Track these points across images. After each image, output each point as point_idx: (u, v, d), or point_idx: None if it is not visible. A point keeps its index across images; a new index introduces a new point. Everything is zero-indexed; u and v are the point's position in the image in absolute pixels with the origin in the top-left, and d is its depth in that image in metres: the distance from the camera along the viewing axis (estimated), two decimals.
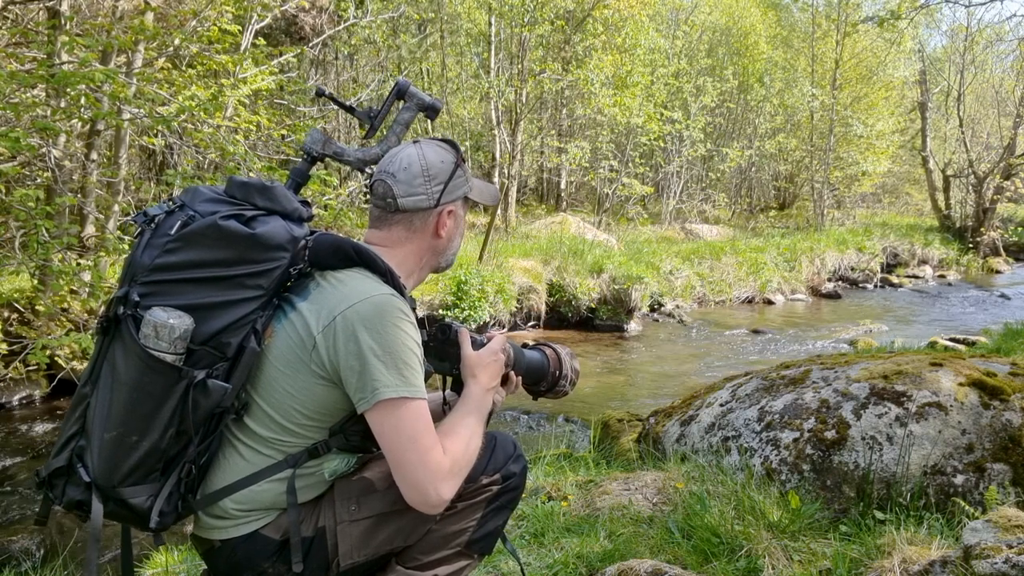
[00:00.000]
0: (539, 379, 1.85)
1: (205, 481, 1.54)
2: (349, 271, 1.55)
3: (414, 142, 1.68)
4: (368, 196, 1.74)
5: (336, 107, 1.95)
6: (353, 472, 1.61)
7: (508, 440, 1.73)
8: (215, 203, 1.47)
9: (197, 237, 1.42)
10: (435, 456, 1.45)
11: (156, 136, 7.49)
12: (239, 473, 1.52)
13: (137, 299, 1.40)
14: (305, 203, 1.58)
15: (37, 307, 6.54)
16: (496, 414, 1.75)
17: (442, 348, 1.70)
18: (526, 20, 13.64)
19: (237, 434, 1.53)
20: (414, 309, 1.56)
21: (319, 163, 1.79)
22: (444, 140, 1.71)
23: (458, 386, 1.71)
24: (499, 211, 13.73)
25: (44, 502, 1.51)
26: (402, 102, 1.82)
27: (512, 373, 1.78)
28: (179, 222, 1.43)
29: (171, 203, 1.49)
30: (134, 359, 1.39)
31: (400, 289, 1.55)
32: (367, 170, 1.76)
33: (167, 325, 1.37)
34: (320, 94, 1.85)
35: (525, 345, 1.88)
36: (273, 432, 1.52)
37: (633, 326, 10.69)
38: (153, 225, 1.45)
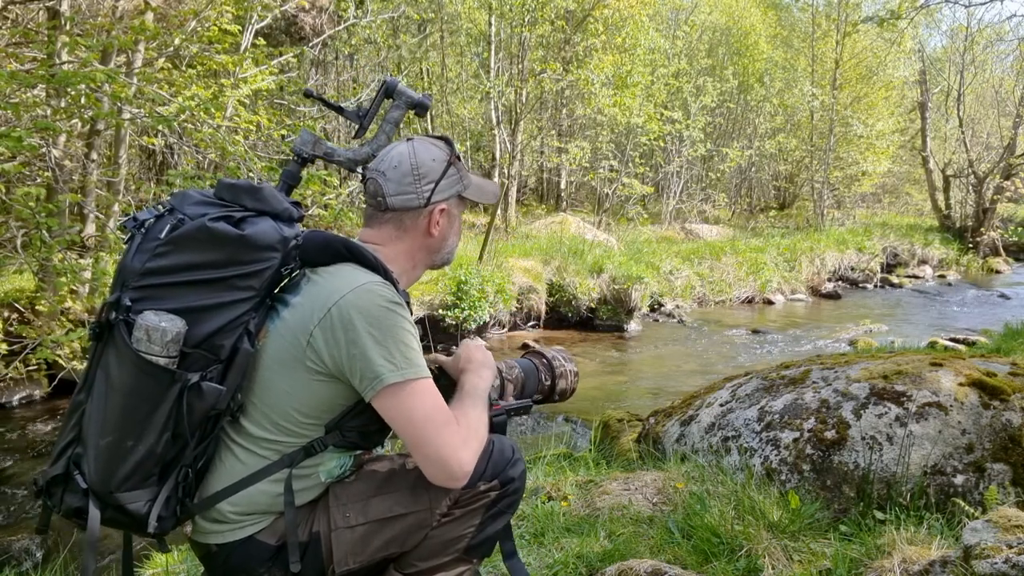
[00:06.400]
0: (534, 387, 1.85)
1: (203, 484, 1.54)
2: (339, 265, 1.54)
3: (407, 140, 1.66)
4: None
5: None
6: (348, 477, 1.61)
7: (506, 444, 1.70)
8: (204, 205, 1.47)
9: (187, 240, 1.41)
10: (451, 428, 1.47)
11: (156, 136, 7.50)
12: (236, 475, 1.51)
13: (128, 304, 1.39)
14: (296, 204, 1.57)
15: (38, 307, 6.54)
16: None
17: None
18: (526, 20, 13.63)
19: (234, 436, 1.53)
20: (408, 304, 1.55)
21: (311, 163, 1.79)
22: (439, 137, 1.69)
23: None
24: (499, 211, 13.71)
25: (43, 511, 1.51)
26: (391, 100, 1.82)
27: (506, 380, 1.78)
28: (168, 225, 1.42)
29: (160, 207, 1.48)
30: (127, 364, 1.38)
31: (393, 282, 1.54)
32: (358, 170, 1.75)
33: (159, 328, 1.36)
34: (308, 95, 1.85)
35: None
36: (270, 433, 1.52)
37: (633, 326, 10.68)
38: (143, 229, 1.44)
